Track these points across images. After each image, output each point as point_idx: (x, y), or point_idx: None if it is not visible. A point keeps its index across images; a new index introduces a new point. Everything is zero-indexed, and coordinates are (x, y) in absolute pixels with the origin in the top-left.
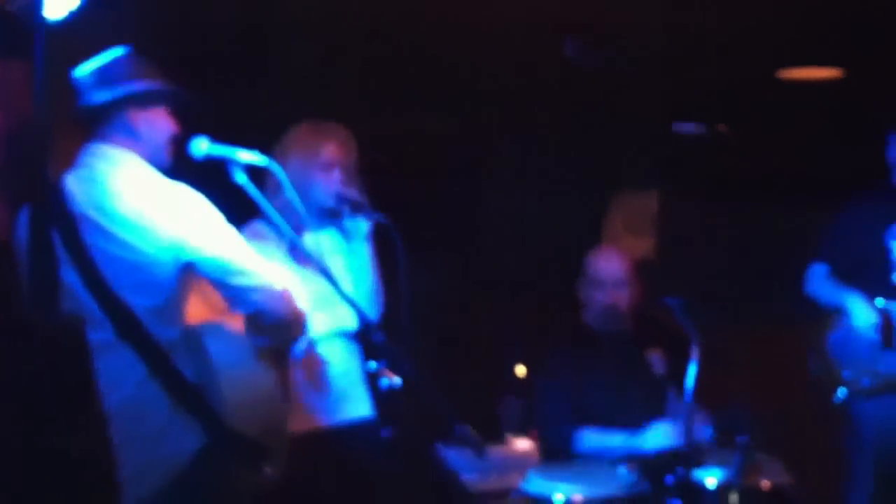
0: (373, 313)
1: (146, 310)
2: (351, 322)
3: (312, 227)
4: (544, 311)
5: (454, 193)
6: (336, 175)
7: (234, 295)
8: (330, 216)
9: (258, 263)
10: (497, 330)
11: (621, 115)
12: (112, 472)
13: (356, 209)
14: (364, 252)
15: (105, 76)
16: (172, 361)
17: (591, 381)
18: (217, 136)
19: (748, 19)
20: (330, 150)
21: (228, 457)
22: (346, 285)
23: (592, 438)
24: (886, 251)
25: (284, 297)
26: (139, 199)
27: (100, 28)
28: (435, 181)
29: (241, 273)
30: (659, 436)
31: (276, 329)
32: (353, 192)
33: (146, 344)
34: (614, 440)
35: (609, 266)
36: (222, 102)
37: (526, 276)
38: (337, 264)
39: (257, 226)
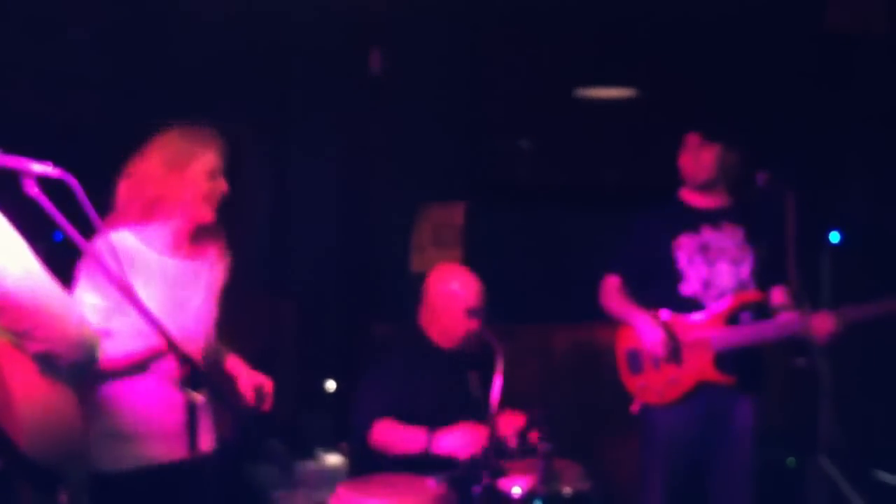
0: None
1: None
2: (163, 348)
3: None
4: (352, 323)
5: (258, 199)
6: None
7: (15, 331)
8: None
9: (46, 296)
10: (305, 344)
11: (428, 127)
12: None
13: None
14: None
15: None
16: None
17: (418, 393)
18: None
19: (550, 40)
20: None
21: (22, 481)
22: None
23: (389, 429)
24: (674, 261)
25: (72, 339)
26: None
27: None
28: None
29: (25, 310)
30: (455, 440)
31: (66, 368)
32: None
33: None
34: (411, 434)
35: (478, 291)
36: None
37: (332, 290)
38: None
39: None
